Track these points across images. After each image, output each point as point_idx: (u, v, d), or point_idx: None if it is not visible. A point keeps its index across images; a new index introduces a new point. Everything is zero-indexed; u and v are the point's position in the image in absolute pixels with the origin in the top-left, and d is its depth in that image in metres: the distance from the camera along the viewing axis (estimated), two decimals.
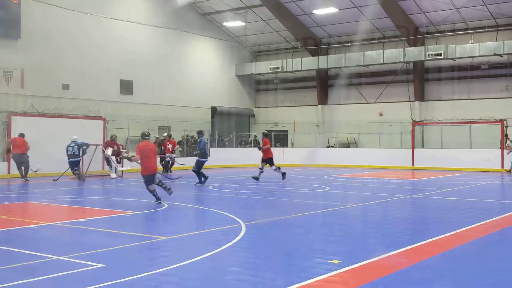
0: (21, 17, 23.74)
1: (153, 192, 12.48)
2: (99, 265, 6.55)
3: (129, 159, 13.46)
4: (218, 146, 31.11)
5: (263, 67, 34.75)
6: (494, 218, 10.61)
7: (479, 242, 8.32)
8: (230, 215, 10.59)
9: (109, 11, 27.71)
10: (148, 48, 29.86)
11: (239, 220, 9.91)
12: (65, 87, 25.79)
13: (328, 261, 6.76)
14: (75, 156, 18.91)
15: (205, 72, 33.44)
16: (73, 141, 19.14)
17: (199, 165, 17.64)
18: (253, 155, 30.11)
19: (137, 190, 16.46)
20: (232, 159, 29.18)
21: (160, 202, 12.31)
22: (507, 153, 24.31)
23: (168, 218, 10.94)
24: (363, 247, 7.98)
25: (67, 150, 19.00)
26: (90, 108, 24.65)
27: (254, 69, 35.18)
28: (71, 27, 26.08)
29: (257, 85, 37.38)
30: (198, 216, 11.43)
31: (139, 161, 12.41)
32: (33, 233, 9.09)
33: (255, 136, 34.08)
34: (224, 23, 32.97)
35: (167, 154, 22.47)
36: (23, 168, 19.03)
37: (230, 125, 34.21)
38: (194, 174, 17.93)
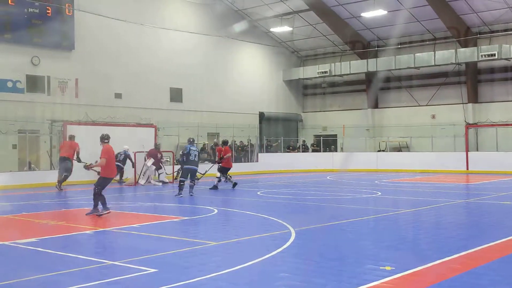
0: (75, 28, 24.62)
1: (103, 199, 11.81)
2: (152, 270, 6.68)
3: (88, 167, 12.90)
4: (266, 152, 31.18)
5: (311, 71, 34.65)
6: None
7: None
8: (279, 221, 10.60)
9: (158, 20, 28.27)
10: (197, 56, 30.31)
11: (289, 226, 9.90)
12: (118, 96, 26.52)
13: (380, 267, 6.67)
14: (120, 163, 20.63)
15: (252, 78, 33.65)
16: (124, 150, 21.06)
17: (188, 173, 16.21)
18: (302, 160, 30.15)
19: (191, 197, 16.70)
20: (280, 164, 29.15)
21: (108, 212, 11.73)
22: None
23: (217, 224, 11.05)
24: (416, 253, 7.82)
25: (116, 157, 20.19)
26: (141, 116, 25.23)
27: (302, 73, 35.13)
28: (123, 37, 26.81)
29: (305, 90, 37.28)
30: (247, 221, 11.49)
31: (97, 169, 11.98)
32: (89, 238, 9.37)
33: (303, 141, 33.99)
34: (271, 29, 33.09)
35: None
36: (64, 175, 18.57)
37: (278, 130, 34.24)
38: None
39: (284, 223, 10.23)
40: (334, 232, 9.84)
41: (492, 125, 27.68)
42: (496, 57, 27.47)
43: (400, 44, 31.83)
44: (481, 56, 27.94)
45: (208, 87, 30.74)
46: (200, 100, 30.13)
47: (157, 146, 21.66)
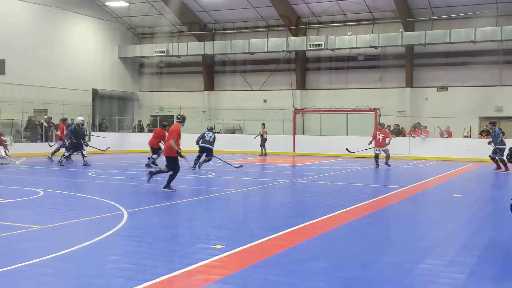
0: None
1: None
2: None
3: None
4: (100, 131, 30.03)
5: (148, 50, 33.99)
6: (366, 202, 11.31)
7: (353, 224, 8.83)
8: (112, 203, 10.31)
9: None
10: (24, 25, 27.96)
11: (121, 208, 9.68)
12: None
13: (211, 246, 6.83)
14: None
15: (86, 53, 32.06)
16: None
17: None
18: (136, 140, 29.52)
19: (11, 178, 15.53)
20: (114, 144, 28.16)
21: None
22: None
23: (43, 207, 10.39)
24: (246, 231, 8.16)
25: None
26: None
27: (139, 51, 34.31)
28: None
29: (142, 69, 36.51)
30: (76, 204, 10.98)
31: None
32: None
33: (139, 121, 33.35)
34: (107, 3, 31.75)
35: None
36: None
37: (113, 109, 33.14)
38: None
39: (117, 205, 9.97)
40: (168, 212, 9.84)
41: (317, 111, 29.74)
42: (323, 47, 29.47)
43: (236, 29, 32.64)
44: (310, 45, 29.77)
45: (37, 60, 28.59)
46: (27, 73, 27.91)
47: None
